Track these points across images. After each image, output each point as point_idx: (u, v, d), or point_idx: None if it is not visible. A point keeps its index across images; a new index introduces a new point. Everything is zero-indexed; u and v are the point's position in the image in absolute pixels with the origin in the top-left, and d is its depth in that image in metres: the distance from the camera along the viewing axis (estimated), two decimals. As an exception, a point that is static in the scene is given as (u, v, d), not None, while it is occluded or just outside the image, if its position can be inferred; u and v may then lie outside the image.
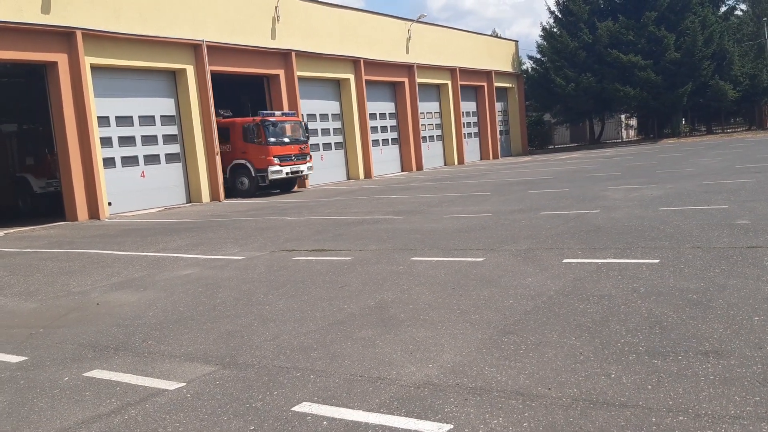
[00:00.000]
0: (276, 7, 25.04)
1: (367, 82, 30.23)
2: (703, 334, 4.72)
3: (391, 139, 33.10)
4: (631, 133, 57.69)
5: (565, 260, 7.71)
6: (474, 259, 8.28)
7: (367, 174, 29.86)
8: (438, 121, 36.61)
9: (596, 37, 41.24)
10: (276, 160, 22.78)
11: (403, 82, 32.97)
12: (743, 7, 50.17)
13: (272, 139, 22.73)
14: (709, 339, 4.60)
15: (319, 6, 28.35)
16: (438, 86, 36.34)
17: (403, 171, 33.15)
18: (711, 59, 39.80)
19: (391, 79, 32.43)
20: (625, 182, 16.60)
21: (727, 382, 3.84)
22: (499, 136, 40.98)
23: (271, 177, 22.69)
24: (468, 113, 38.81)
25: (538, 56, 46.60)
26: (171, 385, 4.65)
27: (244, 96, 27.68)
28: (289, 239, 11.64)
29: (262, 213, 17.02)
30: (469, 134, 38.85)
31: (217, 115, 23.13)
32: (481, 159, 39.57)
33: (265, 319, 6.30)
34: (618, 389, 3.91)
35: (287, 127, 23.56)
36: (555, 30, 44.74)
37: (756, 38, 46.15)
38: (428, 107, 35.54)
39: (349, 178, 29.48)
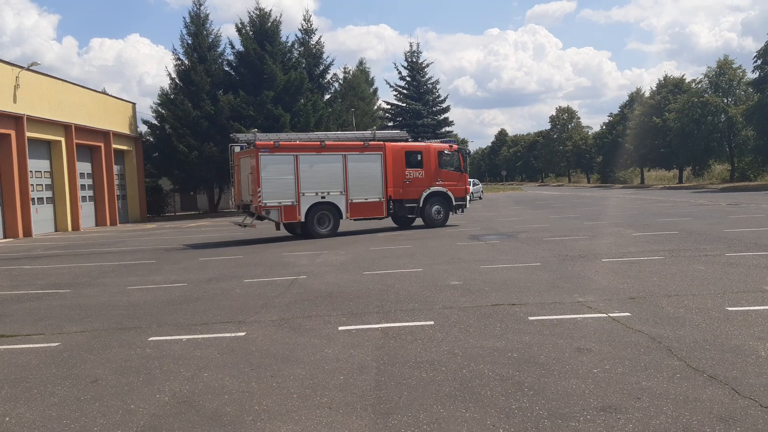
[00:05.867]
0: None
1: (-36, 130, 25.14)
2: (572, 391, 4.81)
3: (-8, 201, 27.93)
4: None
5: (341, 327, 7.26)
6: (234, 334, 7.21)
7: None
8: (48, 182, 32.27)
9: (218, 109, 42.02)
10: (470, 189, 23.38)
11: (9, 135, 28.32)
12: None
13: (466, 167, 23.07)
14: (584, 396, 4.70)
15: None
16: (50, 143, 32.23)
17: (6, 238, 28.05)
18: (321, 140, 44.01)
19: (-6, 130, 27.55)
20: (296, 249, 16.81)
21: (664, 435, 3.93)
22: (117, 201, 38.07)
23: (468, 206, 23.03)
24: (84, 175, 35.22)
25: (156, 122, 45.21)
26: None
27: None
28: None
29: None
30: (84, 198, 35.14)
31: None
32: (96, 225, 36.04)
33: (21, 439, 4.35)
34: (584, 459, 3.66)
35: None
36: (172, 97, 44.12)
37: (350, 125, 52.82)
38: (38, 165, 31.16)
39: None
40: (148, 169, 45.06)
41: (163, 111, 44.09)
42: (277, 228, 20.79)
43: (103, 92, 44.23)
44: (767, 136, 46.96)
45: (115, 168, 38.72)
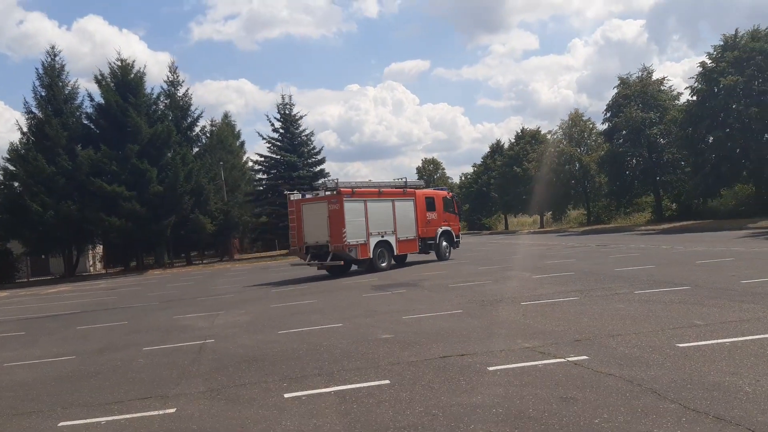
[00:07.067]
0: None
1: None
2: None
3: None
4: (98, 265, 55.12)
5: (286, 395, 6.45)
6: (162, 412, 6.20)
7: None
8: None
9: (77, 164, 39.14)
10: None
11: None
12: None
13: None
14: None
15: None
16: None
17: None
18: (191, 194, 42.15)
19: None
20: (186, 311, 15.48)
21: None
22: (-41, 269, 33.99)
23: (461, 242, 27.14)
24: None
25: (3, 180, 41.30)
26: None
27: None
28: None
29: None
30: None
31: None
32: (-65, 297, 31.76)
33: None
34: None
35: None
36: (23, 152, 40.54)
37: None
38: None
39: None
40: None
41: (13, 168, 40.45)
42: (319, 268, 22.98)
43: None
44: (618, 181, 50.97)
45: (-43, 231, 34.75)
